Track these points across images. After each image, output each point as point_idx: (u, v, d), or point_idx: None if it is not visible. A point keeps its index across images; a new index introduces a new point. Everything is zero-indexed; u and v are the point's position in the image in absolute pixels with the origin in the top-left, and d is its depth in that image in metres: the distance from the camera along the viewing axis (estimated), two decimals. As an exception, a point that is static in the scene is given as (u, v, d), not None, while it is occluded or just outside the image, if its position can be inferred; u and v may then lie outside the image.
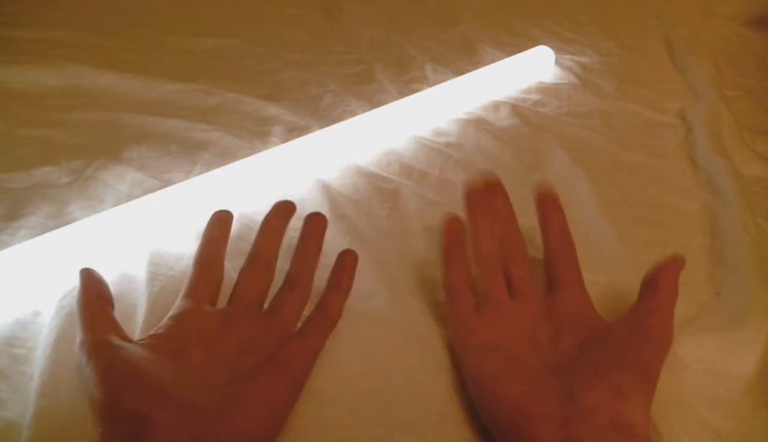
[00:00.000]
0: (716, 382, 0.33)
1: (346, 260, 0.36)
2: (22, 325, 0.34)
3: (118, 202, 0.43)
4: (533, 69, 0.67)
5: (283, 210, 0.39)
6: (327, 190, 0.46)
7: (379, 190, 0.47)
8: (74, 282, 0.35)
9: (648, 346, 0.30)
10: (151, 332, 0.31)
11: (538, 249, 0.39)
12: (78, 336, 0.29)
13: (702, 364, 0.33)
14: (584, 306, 0.35)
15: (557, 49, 0.70)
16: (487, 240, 0.36)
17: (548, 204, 0.38)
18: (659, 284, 0.32)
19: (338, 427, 0.30)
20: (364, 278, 0.36)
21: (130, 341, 0.30)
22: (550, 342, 0.32)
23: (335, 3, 0.79)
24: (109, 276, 0.37)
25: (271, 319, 0.33)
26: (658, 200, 0.48)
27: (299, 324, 0.34)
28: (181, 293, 0.34)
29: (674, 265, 0.33)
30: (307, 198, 0.46)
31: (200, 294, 0.33)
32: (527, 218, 0.39)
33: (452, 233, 0.37)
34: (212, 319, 0.32)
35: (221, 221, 0.38)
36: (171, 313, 0.32)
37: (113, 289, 0.36)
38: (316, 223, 0.37)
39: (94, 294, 0.31)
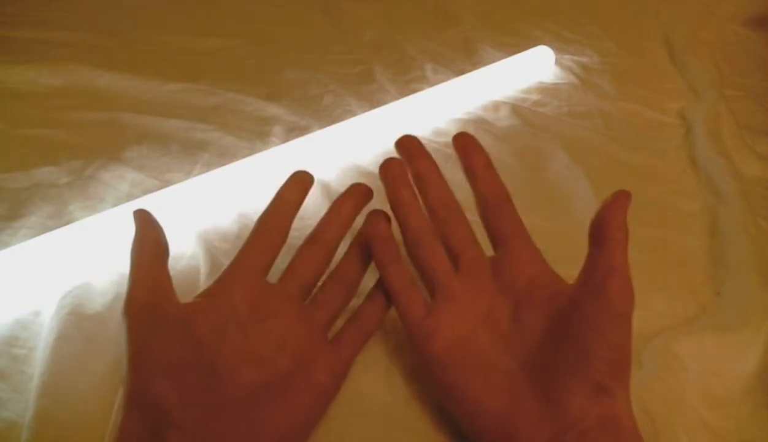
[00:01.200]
0: (716, 382, 0.33)
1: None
2: (22, 325, 0.34)
3: (118, 202, 0.43)
4: (533, 69, 0.67)
5: (359, 196, 0.35)
6: (327, 190, 0.46)
7: (379, 190, 0.47)
8: (75, 282, 0.36)
9: (616, 322, 0.26)
10: (200, 293, 0.30)
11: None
12: (126, 291, 0.27)
13: (702, 364, 0.33)
14: (535, 265, 0.31)
15: (557, 49, 0.70)
16: (414, 215, 0.33)
17: (468, 147, 0.34)
18: (608, 234, 0.27)
19: (338, 427, 0.30)
20: (364, 278, 0.36)
21: (178, 304, 0.28)
22: (511, 324, 0.30)
23: (335, 3, 0.79)
24: (109, 276, 0.37)
25: (314, 312, 0.32)
26: (658, 200, 0.48)
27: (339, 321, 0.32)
28: (237, 254, 0.31)
29: (619, 204, 0.28)
30: (307, 198, 0.45)
31: (256, 258, 0.31)
32: (528, 217, 0.38)
33: (379, 233, 0.33)
34: (259, 295, 0.30)
35: (300, 182, 0.34)
36: (221, 275, 0.31)
37: (114, 289, 0.36)
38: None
39: (152, 242, 0.28)
